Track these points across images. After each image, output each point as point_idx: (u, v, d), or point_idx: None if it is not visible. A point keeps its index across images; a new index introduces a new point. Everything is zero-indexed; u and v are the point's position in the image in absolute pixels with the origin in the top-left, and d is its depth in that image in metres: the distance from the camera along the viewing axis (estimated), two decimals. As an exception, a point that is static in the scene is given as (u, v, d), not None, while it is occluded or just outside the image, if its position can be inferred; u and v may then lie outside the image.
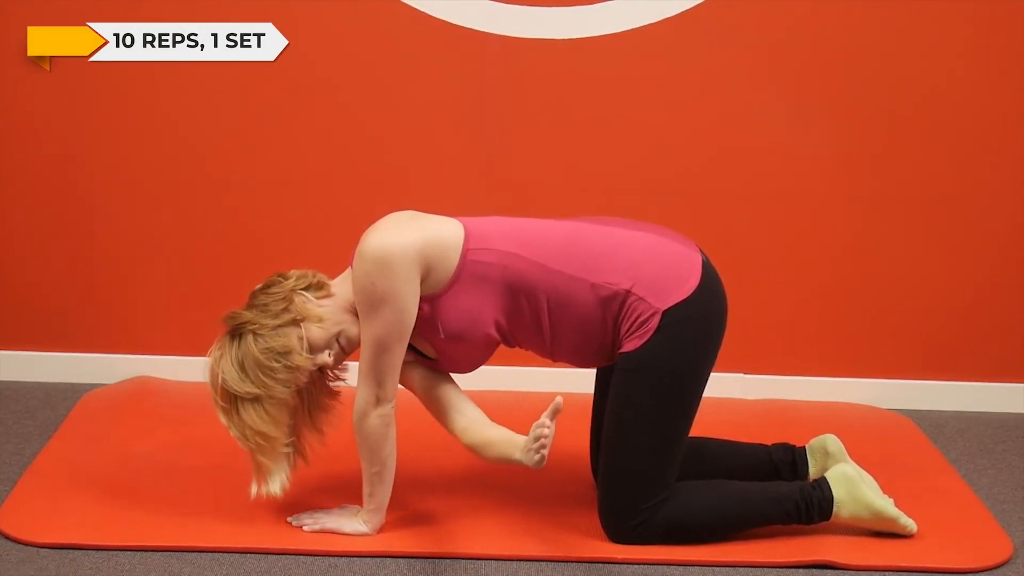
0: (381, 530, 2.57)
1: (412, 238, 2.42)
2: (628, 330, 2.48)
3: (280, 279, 2.51)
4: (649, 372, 2.47)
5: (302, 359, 2.45)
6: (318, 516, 2.59)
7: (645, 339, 2.46)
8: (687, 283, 2.48)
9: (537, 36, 3.23)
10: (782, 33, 3.24)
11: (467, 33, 3.22)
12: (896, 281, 3.39)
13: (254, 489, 2.51)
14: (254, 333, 2.44)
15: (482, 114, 3.29)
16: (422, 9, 3.21)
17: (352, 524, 2.56)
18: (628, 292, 2.46)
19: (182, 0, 3.20)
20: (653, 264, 2.48)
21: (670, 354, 2.47)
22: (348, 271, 2.54)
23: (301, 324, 2.46)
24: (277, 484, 2.51)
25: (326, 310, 2.49)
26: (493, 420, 2.55)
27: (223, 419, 2.49)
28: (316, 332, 2.47)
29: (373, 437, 2.49)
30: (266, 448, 2.48)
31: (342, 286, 2.53)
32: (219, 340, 2.49)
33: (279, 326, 2.45)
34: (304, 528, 2.57)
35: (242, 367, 2.44)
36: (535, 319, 2.52)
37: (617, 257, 2.48)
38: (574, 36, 3.23)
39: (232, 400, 2.46)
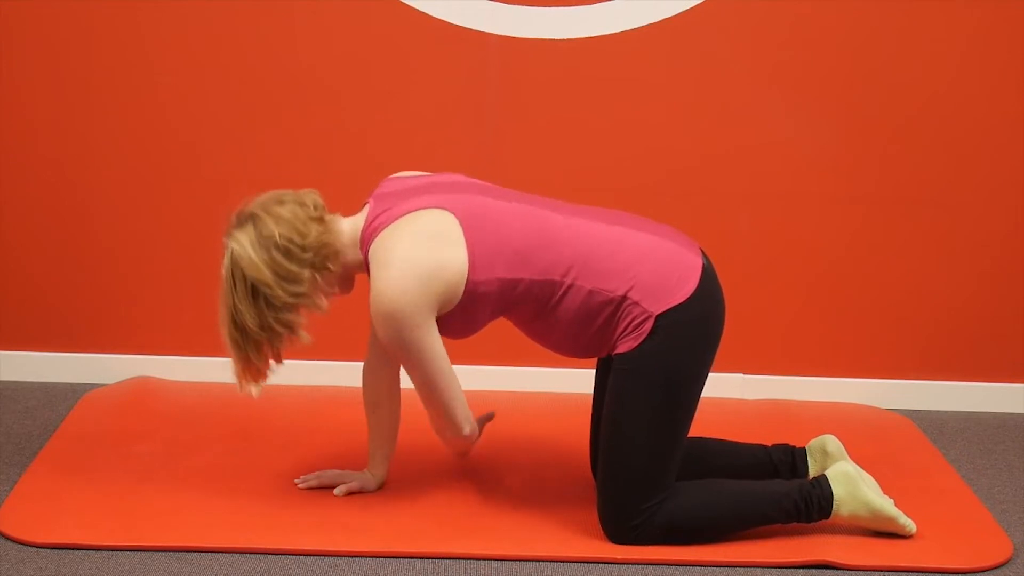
0: (381, 530, 2.57)
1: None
2: (623, 331, 2.48)
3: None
4: (645, 373, 2.47)
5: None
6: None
7: (639, 341, 2.46)
8: (684, 287, 2.47)
9: (537, 36, 3.23)
10: (782, 33, 3.24)
11: (467, 33, 3.22)
12: (896, 281, 3.39)
13: (238, 386, 2.53)
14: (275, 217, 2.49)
15: (482, 114, 3.29)
16: (422, 9, 3.21)
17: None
18: (624, 297, 2.46)
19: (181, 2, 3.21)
20: (651, 268, 2.47)
21: (665, 355, 2.47)
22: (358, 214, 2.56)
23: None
24: (258, 388, 2.54)
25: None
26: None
27: (229, 303, 2.47)
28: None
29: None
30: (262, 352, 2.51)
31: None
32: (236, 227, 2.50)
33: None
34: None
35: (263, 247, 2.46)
36: (528, 320, 2.55)
37: (615, 260, 2.47)
38: (574, 36, 3.23)
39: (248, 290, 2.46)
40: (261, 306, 2.44)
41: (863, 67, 3.25)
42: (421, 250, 2.42)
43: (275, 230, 2.44)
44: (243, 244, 2.44)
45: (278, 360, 2.53)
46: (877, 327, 3.42)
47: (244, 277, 2.43)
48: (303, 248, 2.45)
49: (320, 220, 2.49)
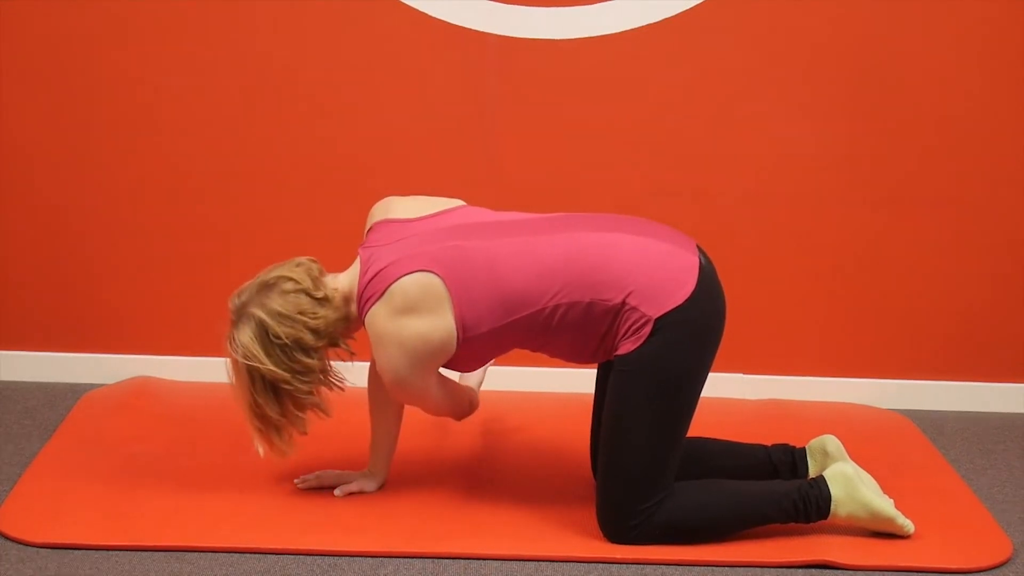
0: (381, 530, 2.57)
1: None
2: (623, 335, 2.47)
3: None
4: (645, 374, 2.47)
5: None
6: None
7: (640, 343, 2.46)
8: (682, 289, 2.47)
9: (537, 36, 3.23)
10: (784, 32, 3.24)
11: (467, 33, 3.22)
12: (896, 281, 3.39)
13: (262, 451, 2.57)
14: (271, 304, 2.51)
15: (482, 114, 3.29)
16: (422, 9, 3.21)
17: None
18: (622, 303, 2.46)
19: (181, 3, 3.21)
20: (647, 272, 2.47)
21: (666, 356, 2.47)
22: (350, 269, 2.57)
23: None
24: (287, 451, 2.58)
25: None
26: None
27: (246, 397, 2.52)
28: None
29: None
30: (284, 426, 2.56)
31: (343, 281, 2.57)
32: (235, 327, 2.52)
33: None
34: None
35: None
36: (535, 344, 2.57)
37: (610, 269, 2.47)
38: (574, 36, 3.23)
39: (261, 381, 2.50)
40: (283, 398, 2.51)
41: (868, 66, 3.25)
42: (408, 328, 2.46)
43: (280, 331, 2.47)
44: (254, 349, 2.47)
45: (304, 433, 2.58)
46: (877, 327, 3.42)
47: (263, 377, 2.48)
48: (317, 338, 2.50)
49: (325, 300, 2.52)
